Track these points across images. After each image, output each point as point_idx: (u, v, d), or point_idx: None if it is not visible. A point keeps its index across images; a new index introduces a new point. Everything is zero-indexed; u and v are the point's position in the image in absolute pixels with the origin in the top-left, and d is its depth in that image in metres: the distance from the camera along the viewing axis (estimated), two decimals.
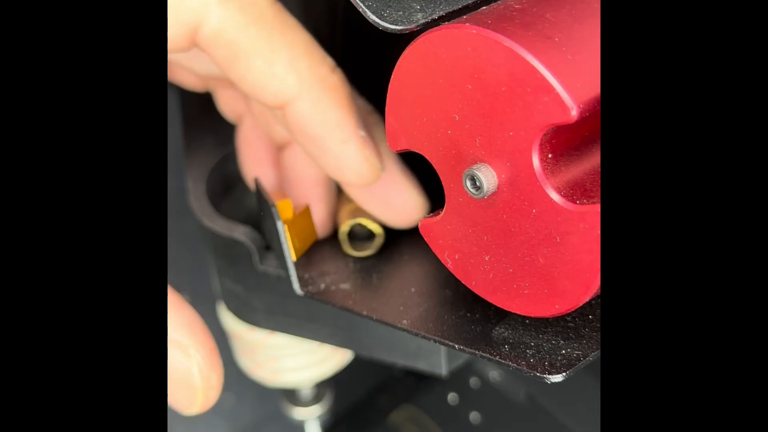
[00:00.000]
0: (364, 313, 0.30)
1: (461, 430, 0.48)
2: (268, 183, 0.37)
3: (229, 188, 0.39)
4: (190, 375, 0.27)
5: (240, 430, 0.61)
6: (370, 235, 0.33)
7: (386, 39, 0.29)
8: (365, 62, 0.33)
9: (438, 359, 0.36)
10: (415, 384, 0.50)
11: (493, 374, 0.42)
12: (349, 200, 0.34)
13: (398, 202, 0.32)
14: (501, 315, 0.28)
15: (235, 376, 0.64)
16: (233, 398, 0.63)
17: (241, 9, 0.27)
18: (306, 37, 0.28)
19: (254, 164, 0.36)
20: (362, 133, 0.29)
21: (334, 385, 0.45)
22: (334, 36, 0.34)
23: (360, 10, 0.25)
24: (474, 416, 0.47)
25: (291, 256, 0.31)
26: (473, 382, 0.45)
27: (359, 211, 0.33)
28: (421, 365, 0.36)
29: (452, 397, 0.48)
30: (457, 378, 0.47)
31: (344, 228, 0.33)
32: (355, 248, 0.33)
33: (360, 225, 0.33)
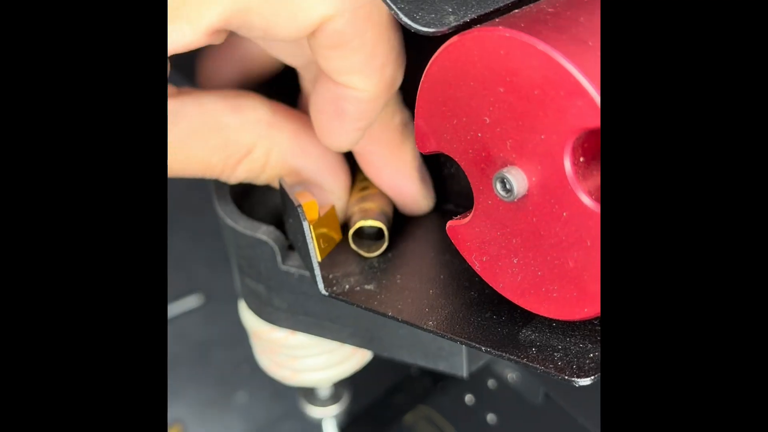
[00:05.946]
0: (390, 314, 0.30)
1: (477, 431, 0.48)
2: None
3: (252, 188, 0.39)
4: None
5: (255, 428, 0.61)
6: (378, 235, 0.34)
7: (414, 41, 0.29)
8: None
9: (459, 360, 0.36)
10: (432, 385, 0.50)
11: (512, 376, 0.42)
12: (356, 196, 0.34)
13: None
14: (527, 318, 0.28)
15: (249, 375, 0.64)
16: (247, 397, 0.63)
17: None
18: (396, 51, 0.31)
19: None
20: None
21: (351, 385, 0.45)
22: None
23: (392, 12, 0.25)
24: (491, 417, 0.47)
25: (316, 256, 0.31)
26: (491, 383, 0.45)
27: (365, 210, 0.33)
28: (442, 366, 0.36)
29: (469, 398, 0.48)
30: (475, 379, 0.47)
31: (351, 230, 0.33)
32: (364, 249, 0.33)
33: (368, 226, 0.33)
